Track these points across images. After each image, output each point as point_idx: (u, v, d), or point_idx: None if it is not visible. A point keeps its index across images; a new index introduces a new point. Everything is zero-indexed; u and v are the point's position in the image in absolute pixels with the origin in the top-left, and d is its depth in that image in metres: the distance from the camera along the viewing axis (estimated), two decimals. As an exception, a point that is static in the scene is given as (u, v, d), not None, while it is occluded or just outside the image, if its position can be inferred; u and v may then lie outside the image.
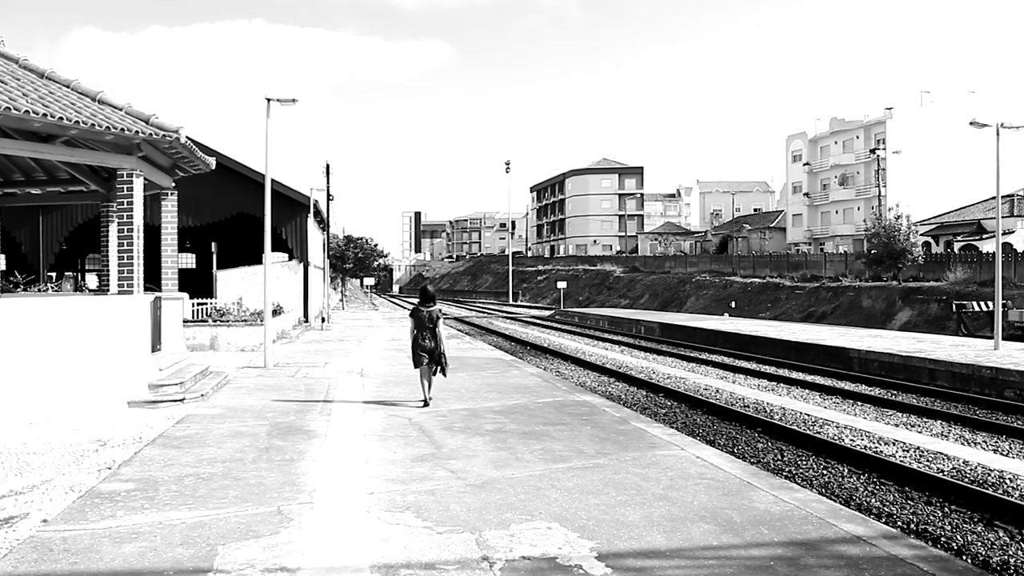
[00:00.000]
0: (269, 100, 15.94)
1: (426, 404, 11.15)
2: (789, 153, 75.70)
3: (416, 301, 11.79)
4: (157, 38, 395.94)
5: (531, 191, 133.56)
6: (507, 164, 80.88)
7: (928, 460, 10.07)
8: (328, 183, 35.84)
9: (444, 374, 11.41)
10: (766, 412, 13.61)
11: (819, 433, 11.69)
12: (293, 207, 29.80)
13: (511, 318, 48.12)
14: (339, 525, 5.69)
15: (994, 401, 14.61)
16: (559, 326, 39.71)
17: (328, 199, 35.84)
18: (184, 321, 16.67)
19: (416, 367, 11.32)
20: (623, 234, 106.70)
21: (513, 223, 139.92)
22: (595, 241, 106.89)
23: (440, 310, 11.44)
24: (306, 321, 31.49)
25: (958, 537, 7.16)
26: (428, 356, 11.12)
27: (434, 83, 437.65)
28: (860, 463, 9.81)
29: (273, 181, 18.17)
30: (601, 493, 6.55)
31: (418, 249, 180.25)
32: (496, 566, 4.86)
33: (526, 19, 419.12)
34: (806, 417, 13.11)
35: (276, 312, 22.71)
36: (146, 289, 12.07)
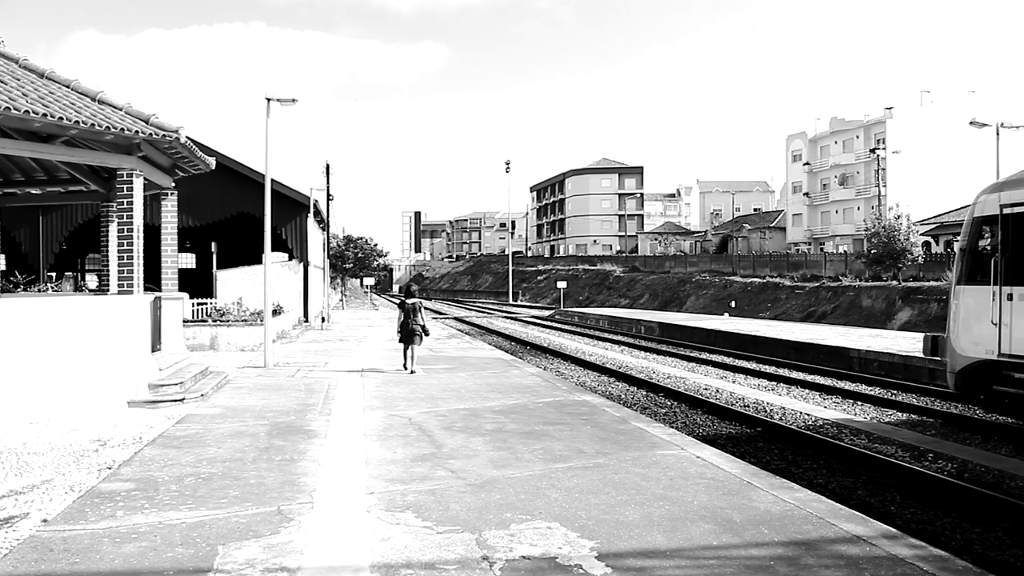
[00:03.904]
0: (269, 100, 15.95)
1: (406, 369, 15.02)
2: (789, 153, 75.72)
3: (402, 298, 15.94)
4: (155, 40, 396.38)
5: (531, 191, 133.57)
6: (507, 164, 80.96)
7: (928, 460, 10.07)
8: (328, 183, 35.86)
9: (427, 334, 15.57)
10: (766, 412, 13.61)
11: (819, 432, 11.69)
12: (293, 207, 29.80)
13: (511, 318, 48.12)
14: (339, 525, 5.69)
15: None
16: (559, 326, 39.72)
17: (328, 199, 35.85)
18: (184, 321, 16.67)
19: (400, 342, 15.33)
20: (623, 234, 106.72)
21: (513, 223, 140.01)
22: (595, 241, 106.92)
23: (420, 302, 15.51)
24: (306, 321, 31.49)
25: (957, 536, 7.16)
26: (412, 335, 14.95)
27: (434, 84, 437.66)
28: (860, 463, 9.81)
29: (273, 181, 18.17)
30: (601, 493, 6.56)
31: (418, 249, 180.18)
32: (496, 566, 4.86)
33: (522, 22, 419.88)
34: (806, 417, 13.11)
35: (276, 312, 22.71)
36: (146, 289, 12.07)
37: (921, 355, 17.40)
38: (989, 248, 11.35)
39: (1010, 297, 10.76)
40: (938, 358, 12.87)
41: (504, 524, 5.70)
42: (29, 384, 10.12)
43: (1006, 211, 10.96)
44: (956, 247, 12.98)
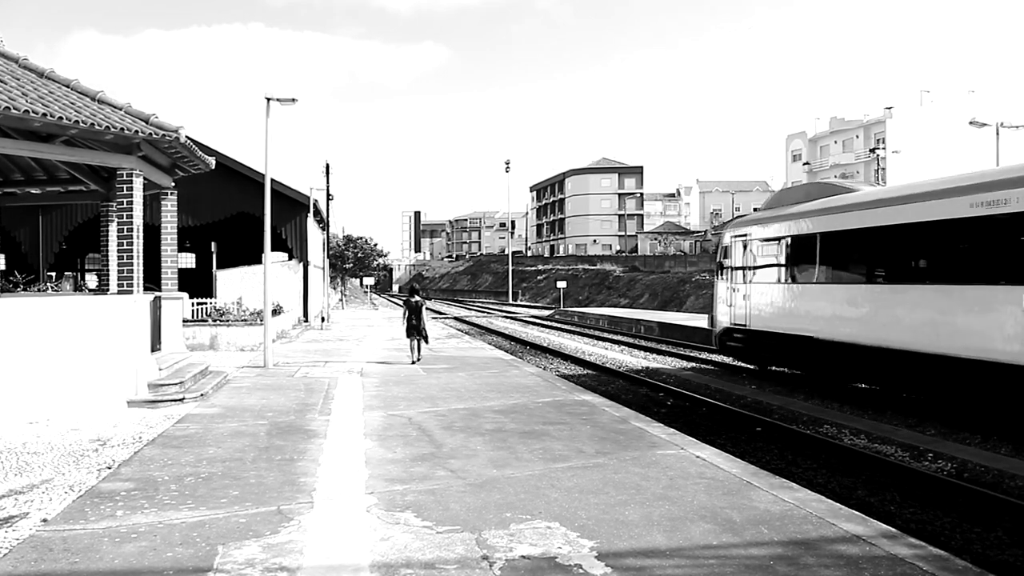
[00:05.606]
0: (269, 99, 15.94)
1: (414, 363, 16.74)
2: (789, 153, 75.73)
3: (406, 296, 18.03)
4: (154, 41, 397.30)
5: (531, 191, 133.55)
6: (507, 164, 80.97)
7: (928, 460, 10.07)
8: (328, 183, 35.84)
9: (426, 342, 17.70)
10: (766, 411, 13.61)
11: (818, 432, 11.69)
12: (293, 207, 29.79)
13: (511, 318, 48.11)
14: (339, 525, 5.69)
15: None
16: (559, 325, 39.71)
17: (328, 199, 35.84)
18: (184, 321, 16.68)
19: (407, 337, 17.26)
20: (623, 234, 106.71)
21: (513, 223, 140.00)
22: (595, 240, 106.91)
23: (423, 300, 17.43)
24: (306, 321, 31.49)
25: (957, 535, 7.17)
26: (415, 331, 16.94)
27: (433, 85, 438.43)
28: (859, 462, 9.81)
29: (273, 181, 18.17)
30: (601, 492, 6.56)
31: (418, 249, 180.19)
32: (496, 565, 4.86)
33: (521, 22, 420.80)
34: (806, 416, 13.10)
35: (276, 312, 22.72)
36: (146, 289, 12.08)
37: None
38: (725, 260, 18.99)
39: (735, 290, 18.12)
40: (712, 328, 19.91)
41: (504, 524, 5.70)
42: (29, 384, 10.12)
43: (732, 238, 18.62)
44: (716, 259, 20.34)
